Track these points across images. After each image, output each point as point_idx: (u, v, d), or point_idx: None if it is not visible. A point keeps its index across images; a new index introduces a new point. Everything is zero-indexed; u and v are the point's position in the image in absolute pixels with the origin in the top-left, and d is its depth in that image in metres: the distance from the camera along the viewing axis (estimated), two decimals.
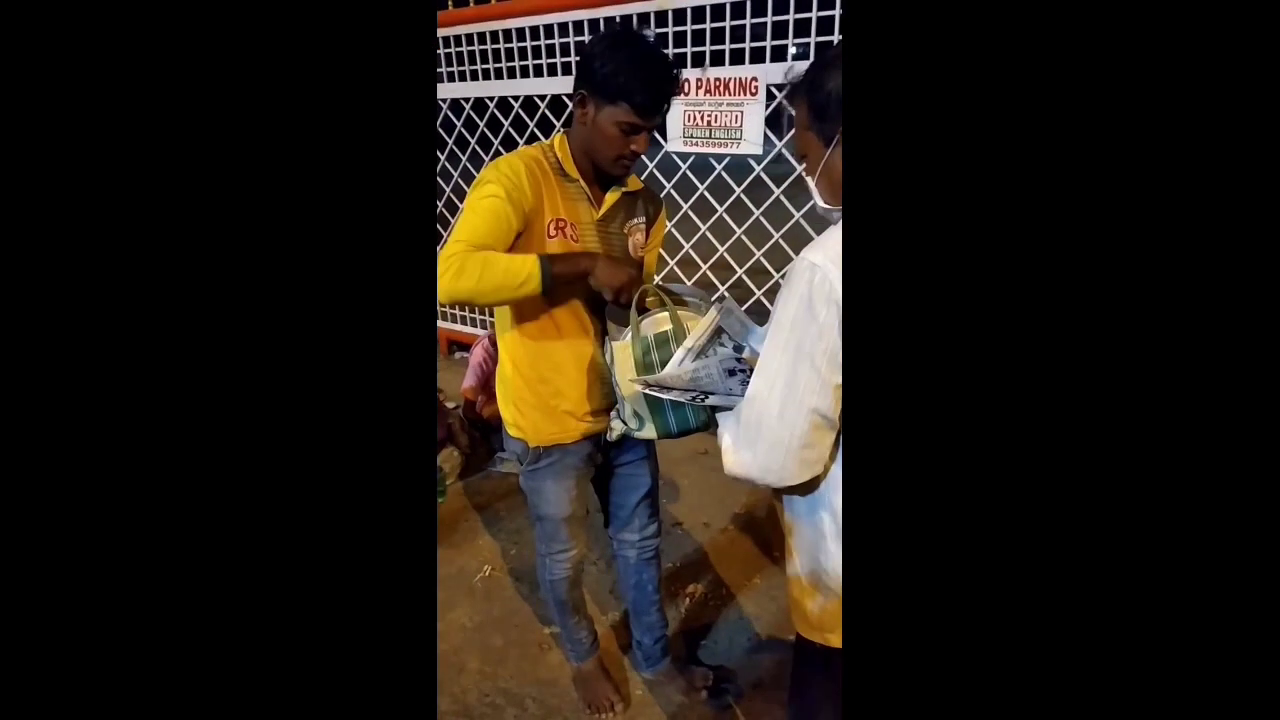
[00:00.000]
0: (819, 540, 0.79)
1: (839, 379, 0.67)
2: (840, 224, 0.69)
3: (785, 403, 0.69)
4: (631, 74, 1.01)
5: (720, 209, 2.49)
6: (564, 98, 2.64)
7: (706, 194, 2.48)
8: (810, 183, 0.79)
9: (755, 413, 0.72)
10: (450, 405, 2.58)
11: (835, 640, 0.82)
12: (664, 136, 2.43)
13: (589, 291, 1.11)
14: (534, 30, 2.59)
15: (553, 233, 1.12)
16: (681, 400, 0.90)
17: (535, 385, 1.21)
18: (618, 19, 2.37)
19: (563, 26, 2.52)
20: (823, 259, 0.65)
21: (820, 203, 0.79)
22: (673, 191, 2.56)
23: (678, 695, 1.50)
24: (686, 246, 2.67)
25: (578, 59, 1.10)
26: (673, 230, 2.67)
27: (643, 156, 2.79)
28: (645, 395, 1.07)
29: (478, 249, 1.01)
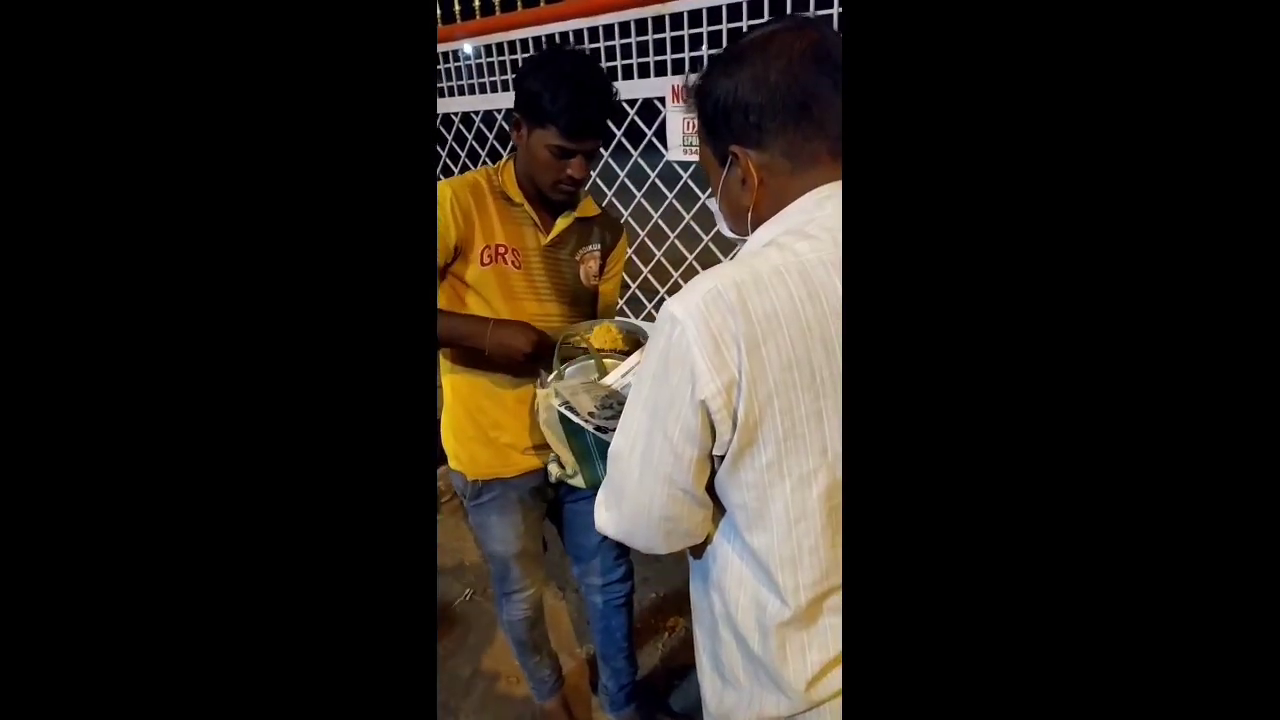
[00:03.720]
0: (713, 623, 0.71)
1: (694, 452, 0.58)
2: (719, 266, 0.61)
3: (643, 469, 0.61)
4: (555, 94, 0.95)
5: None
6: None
7: (709, 204, 2.39)
8: (713, 206, 0.71)
9: (619, 472, 0.64)
10: None
11: None
12: (664, 146, 2.35)
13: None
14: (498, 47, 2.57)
15: (487, 260, 1.08)
16: (587, 428, 0.85)
17: (474, 415, 1.17)
18: (615, 25, 2.30)
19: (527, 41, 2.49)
20: (683, 312, 0.55)
21: (724, 230, 0.70)
22: (674, 202, 2.48)
23: None
24: (690, 259, 2.58)
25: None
26: (675, 242, 2.59)
27: (643, 165, 2.67)
28: (571, 444, 1.02)
29: None
